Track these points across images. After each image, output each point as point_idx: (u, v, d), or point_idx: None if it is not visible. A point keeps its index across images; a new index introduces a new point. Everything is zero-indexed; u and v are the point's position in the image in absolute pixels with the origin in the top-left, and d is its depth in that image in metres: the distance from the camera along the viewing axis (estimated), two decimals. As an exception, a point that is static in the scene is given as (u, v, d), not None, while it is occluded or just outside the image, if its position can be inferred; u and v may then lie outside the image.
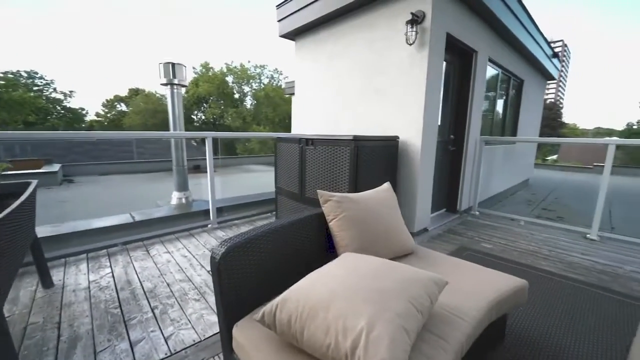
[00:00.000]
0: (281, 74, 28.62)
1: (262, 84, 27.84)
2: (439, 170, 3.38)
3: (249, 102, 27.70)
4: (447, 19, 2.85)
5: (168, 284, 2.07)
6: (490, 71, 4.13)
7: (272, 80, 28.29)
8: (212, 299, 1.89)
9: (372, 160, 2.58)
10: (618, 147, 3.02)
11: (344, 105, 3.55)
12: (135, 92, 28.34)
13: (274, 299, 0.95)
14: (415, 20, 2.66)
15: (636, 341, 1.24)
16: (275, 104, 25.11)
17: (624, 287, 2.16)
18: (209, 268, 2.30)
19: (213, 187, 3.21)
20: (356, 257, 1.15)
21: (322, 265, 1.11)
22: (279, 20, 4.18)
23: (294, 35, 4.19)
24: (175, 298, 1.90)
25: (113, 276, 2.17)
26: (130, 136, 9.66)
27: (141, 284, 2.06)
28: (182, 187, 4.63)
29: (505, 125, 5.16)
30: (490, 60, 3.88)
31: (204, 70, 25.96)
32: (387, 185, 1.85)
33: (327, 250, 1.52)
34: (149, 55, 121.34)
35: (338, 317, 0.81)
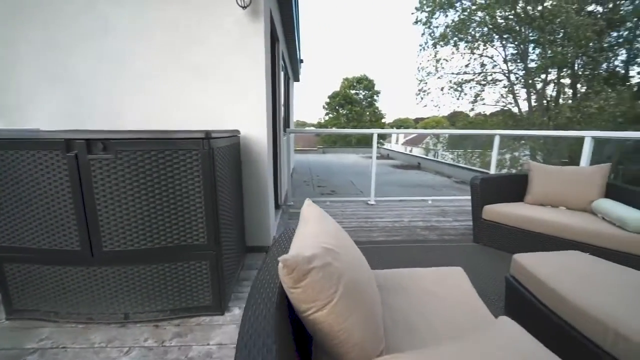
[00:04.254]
0: None
1: None
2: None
3: None
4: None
5: None
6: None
7: None
8: None
9: (223, 166, 1.73)
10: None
11: (133, 86, 2.14)
12: None
13: None
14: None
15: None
16: None
17: (413, 234, 3.03)
18: None
19: None
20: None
21: None
22: None
23: None
24: None
25: None
26: None
27: None
28: None
29: (287, 118, 5.65)
30: (282, 53, 3.93)
31: None
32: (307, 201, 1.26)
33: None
34: None
35: None
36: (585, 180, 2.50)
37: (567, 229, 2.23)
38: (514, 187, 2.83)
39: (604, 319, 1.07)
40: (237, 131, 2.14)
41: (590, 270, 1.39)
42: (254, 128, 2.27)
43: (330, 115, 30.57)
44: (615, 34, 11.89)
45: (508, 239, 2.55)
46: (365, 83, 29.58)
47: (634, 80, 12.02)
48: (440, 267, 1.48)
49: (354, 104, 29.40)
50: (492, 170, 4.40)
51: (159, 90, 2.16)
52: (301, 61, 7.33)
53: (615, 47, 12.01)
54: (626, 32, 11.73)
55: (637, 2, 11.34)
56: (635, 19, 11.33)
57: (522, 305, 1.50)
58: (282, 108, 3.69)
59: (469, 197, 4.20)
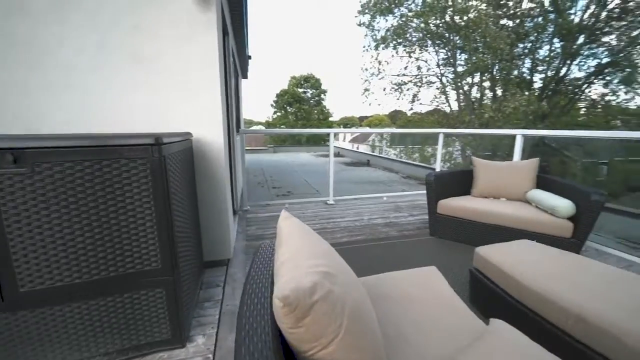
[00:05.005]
0: None
1: None
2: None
3: None
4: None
5: None
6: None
7: None
8: None
9: (176, 176, 1.50)
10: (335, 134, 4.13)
11: (57, 80, 1.72)
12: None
13: None
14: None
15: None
16: None
17: (375, 232, 3.10)
18: None
19: None
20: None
21: None
22: None
23: None
24: None
25: None
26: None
27: None
28: None
29: (237, 117, 5.31)
30: (232, 48, 3.65)
31: None
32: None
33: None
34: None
35: None
36: (519, 173, 2.82)
37: (509, 218, 2.48)
38: (462, 182, 3.07)
39: (565, 305, 1.18)
40: (189, 134, 1.89)
41: (542, 257, 1.55)
42: (209, 129, 2.03)
43: (279, 113, 30.13)
44: (522, 45, 13.93)
45: (460, 230, 2.76)
46: (312, 82, 29.80)
47: (536, 85, 14.30)
48: (415, 268, 1.49)
49: (302, 103, 29.44)
50: (438, 166, 4.76)
51: (91, 85, 1.79)
52: (249, 57, 7.00)
53: (522, 57, 14.10)
54: (530, 44, 13.84)
55: (536, 19, 13.44)
56: (536, 34, 13.44)
57: (487, 295, 1.60)
58: (234, 106, 3.43)
59: (420, 192, 4.44)
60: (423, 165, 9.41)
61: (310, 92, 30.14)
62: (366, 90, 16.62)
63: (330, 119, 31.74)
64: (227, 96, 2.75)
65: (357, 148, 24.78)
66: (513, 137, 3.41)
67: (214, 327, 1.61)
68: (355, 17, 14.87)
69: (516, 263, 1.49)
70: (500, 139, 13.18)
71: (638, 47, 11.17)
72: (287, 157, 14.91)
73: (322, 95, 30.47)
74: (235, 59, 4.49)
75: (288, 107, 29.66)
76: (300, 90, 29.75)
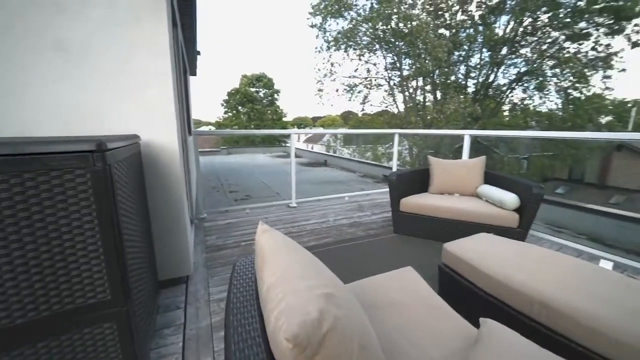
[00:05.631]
0: None
1: None
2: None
3: None
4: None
5: None
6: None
7: None
8: None
9: (124, 187, 1.27)
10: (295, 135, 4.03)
11: None
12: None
13: None
14: None
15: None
16: None
17: (342, 233, 3.10)
18: None
19: None
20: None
21: None
22: None
23: None
24: None
25: None
26: None
27: None
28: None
29: (188, 117, 4.89)
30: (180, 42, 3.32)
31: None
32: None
33: None
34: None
35: None
36: (470, 170, 3.06)
37: (465, 213, 2.67)
38: (420, 180, 3.23)
39: (529, 293, 1.27)
40: (137, 137, 1.64)
41: (502, 249, 1.66)
42: (160, 131, 1.79)
43: (230, 113, 28.87)
44: (457, 53, 15.42)
45: (421, 226, 2.88)
46: (265, 81, 29.14)
47: (470, 89, 15.97)
48: (393, 270, 1.49)
49: (255, 103, 28.61)
50: (394, 165, 4.97)
51: (3, 80, 1.43)
52: (198, 53, 6.52)
53: (458, 64, 15.62)
54: (464, 53, 15.38)
55: (468, 30, 14.98)
56: (469, 43, 14.99)
57: (457, 288, 1.67)
58: (185, 105, 3.13)
59: (379, 190, 4.58)
60: (379, 164, 9.82)
61: (263, 91, 29.45)
62: (320, 90, 16.83)
63: (284, 119, 31.42)
64: (179, 92, 2.49)
65: (312, 148, 24.97)
66: (453, 136, 3.69)
67: (178, 357, 1.41)
68: (308, 18, 14.91)
69: (483, 257, 1.58)
70: (441, 139, 14.42)
71: (546, 59, 13.14)
72: (242, 159, 14.32)
73: (275, 95, 30.02)
74: (183, 54, 4.12)
75: (240, 107, 28.57)
76: (253, 89, 28.88)
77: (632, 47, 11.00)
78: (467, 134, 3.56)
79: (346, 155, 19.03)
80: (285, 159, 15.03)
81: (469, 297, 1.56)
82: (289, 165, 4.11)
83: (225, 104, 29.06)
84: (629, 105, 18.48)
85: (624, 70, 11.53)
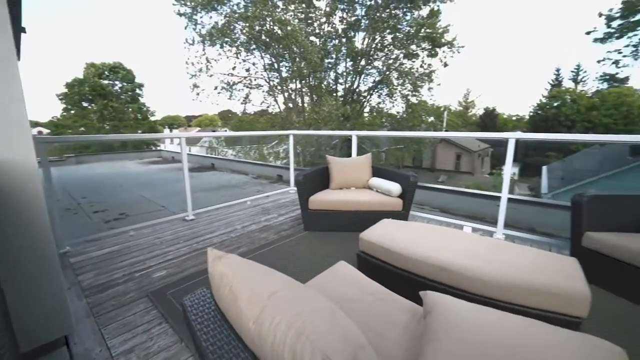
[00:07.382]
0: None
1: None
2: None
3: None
4: None
5: None
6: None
7: None
8: None
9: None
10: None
11: None
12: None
13: None
14: None
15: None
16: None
17: (254, 239, 3.02)
18: None
19: None
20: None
21: None
22: None
23: None
24: None
25: None
26: None
27: None
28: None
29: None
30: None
31: None
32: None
33: None
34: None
35: None
36: (361, 166, 3.55)
37: (363, 203, 3.09)
38: (322, 178, 3.50)
39: (433, 262, 1.64)
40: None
41: (403, 229, 2.05)
42: (7, 145, 1.26)
43: (72, 111, 22.35)
44: (327, 60, 17.23)
45: (328, 220, 3.15)
46: (122, 73, 23.91)
47: (340, 94, 18.21)
48: (328, 268, 1.60)
49: (111, 98, 23.15)
50: (292, 165, 5.16)
51: None
52: (23, 30, 4.76)
53: (328, 70, 17.48)
54: (332, 60, 17.34)
55: (334, 41, 16.96)
56: (336, 52, 17.00)
57: (376, 270, 1.95)
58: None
59: (279, 191, 4.70)
60: (271, 165, 9.87)
61: (120, 85, 24.17)
62: (196, 86, 15.35)
63: (152, 118, 26.91)
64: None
65: (190, 150, 22.50)
66: (330, 136, 4.20)
67: None
68: (174, 4, 13.23)
69: (392, 239, 1.90)
70: (317, 138, 15.79)
71: (392, 71, 16.46)
72: (101, 169, 11.30)
73: (138, 90, 25.21)
74: None
75: (87, 104, 22.46)
76: (106, 82, 23.24)
77: (445, 66, 15.30)
78: (354, 134, 4.10)
79: (230, 156, 18.20)
80: (162, 165, 12.93)
81: (388, 276, 1.85)
82: (170, 173, 3.73)
83: (64, 99, 22.20)
84: (442, 109, 25.94)
85: (439, 84, 15.88)
